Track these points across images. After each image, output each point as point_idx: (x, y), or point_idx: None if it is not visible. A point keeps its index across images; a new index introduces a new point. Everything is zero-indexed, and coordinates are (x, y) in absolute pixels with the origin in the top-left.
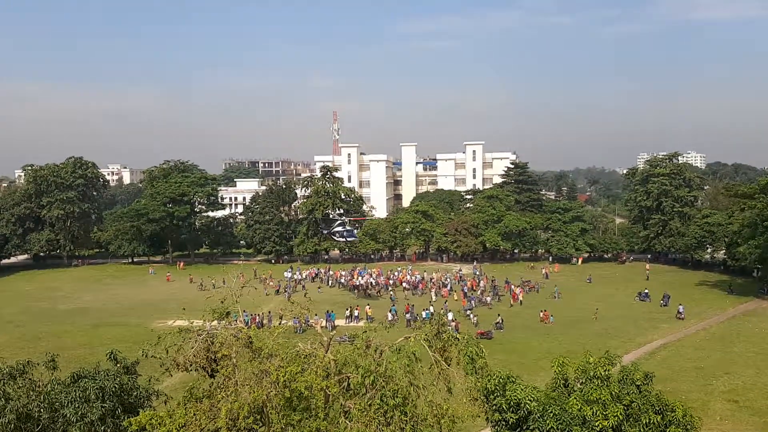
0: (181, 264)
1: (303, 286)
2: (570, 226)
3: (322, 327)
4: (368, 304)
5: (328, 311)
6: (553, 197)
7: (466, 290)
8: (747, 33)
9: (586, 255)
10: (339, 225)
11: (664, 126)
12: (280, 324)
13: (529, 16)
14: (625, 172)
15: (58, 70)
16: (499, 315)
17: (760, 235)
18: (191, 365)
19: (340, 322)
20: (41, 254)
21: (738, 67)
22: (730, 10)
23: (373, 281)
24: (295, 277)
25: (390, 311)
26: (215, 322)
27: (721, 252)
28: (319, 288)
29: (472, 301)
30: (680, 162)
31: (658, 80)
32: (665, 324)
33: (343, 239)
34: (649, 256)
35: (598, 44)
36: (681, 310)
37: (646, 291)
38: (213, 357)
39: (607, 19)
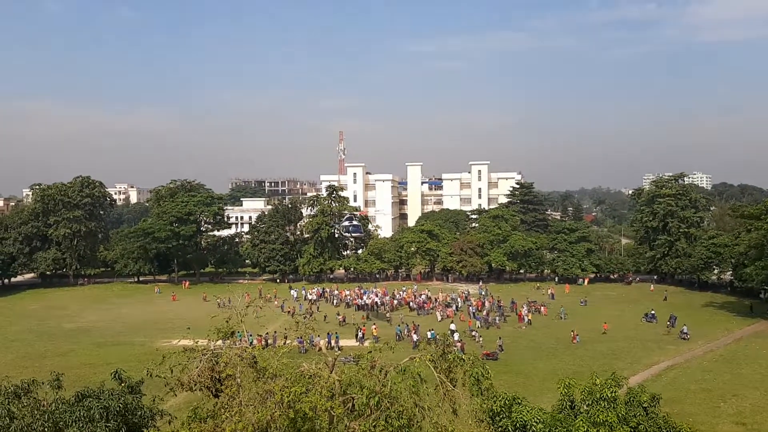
0: (186, 283)
1: (318, 308)
2: (576, 247)
3: (327, 347)
4: (374, 324)
5: (329, 332)
6: (558, 217)
7: (473, 310)
8: (751, 55)
9: (593, 275)
10: (346, 220)
11: (670, 147)
12: (284, 344)
13: (534, 37)
14: (630, 192)
15: (68, 89)
16: (500, 338)
17: (766, 256)
18: (195, 385)
19: (350, 342)
20: (48, 273)
21: (743, 89)
22: (734, 33)
23: (379, 301)
24: (309, 297)
25: (412, 331)
26: (220, 342)
27: (728, 273)
28: (338, 315)
29: (478, 322)
30: (686, 183)
31: (664, 102)
32: (672, 345)
33: (349, 234)
34: (655, 277)
35: (604, 66)
36: (685, 330)
37: (653, 312)
38: (217, 377)
39: (612, 42)
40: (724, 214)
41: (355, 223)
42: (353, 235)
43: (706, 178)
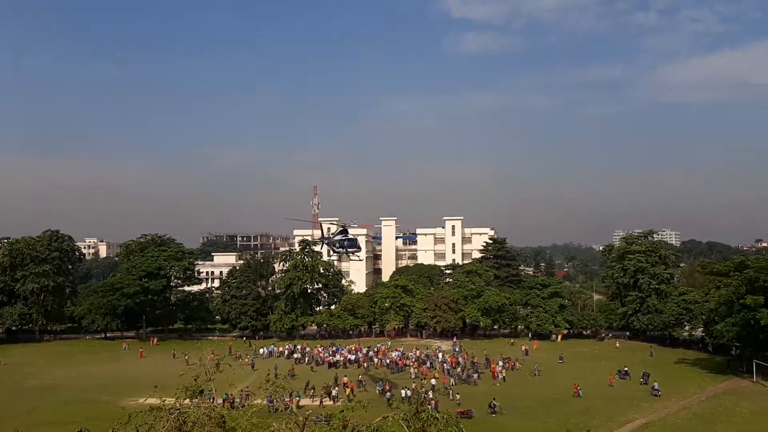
0: (155, 340)
1: (312, 368)
2: (549, 302)
3: (298, 407)
4: (347, 382)
5: (291, 391)
6: (531, 273)
7: (447, 367)
8: (715, 116)
9: (566, 331)
10: (340, 233)
11: (639, 204)
12: (248, 402)
13: (507, 97)
14: (601, 248)
15: (38, 142)
16: (494, 398)
17: (736, 312)
18: None
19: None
20: (13, 328)
21: (709, 149)
22: (702, 95)
23: (353, 357)
24: (296, 356)
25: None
26: (187, 401)
27: (699, 329)
28: (330, 391)
29: (452, 379)
30: (655, 240)
31: (633, 159)
32: (646, 403)
33: (344, 250)
34: (627, 333)
35: (575, 124)
36: (656, 387)
37: (626, 369)
38: None
39: (582, 101)
40: (693, 270)
41: (350, 237)
42: (349, 250)
43: (675, 235)
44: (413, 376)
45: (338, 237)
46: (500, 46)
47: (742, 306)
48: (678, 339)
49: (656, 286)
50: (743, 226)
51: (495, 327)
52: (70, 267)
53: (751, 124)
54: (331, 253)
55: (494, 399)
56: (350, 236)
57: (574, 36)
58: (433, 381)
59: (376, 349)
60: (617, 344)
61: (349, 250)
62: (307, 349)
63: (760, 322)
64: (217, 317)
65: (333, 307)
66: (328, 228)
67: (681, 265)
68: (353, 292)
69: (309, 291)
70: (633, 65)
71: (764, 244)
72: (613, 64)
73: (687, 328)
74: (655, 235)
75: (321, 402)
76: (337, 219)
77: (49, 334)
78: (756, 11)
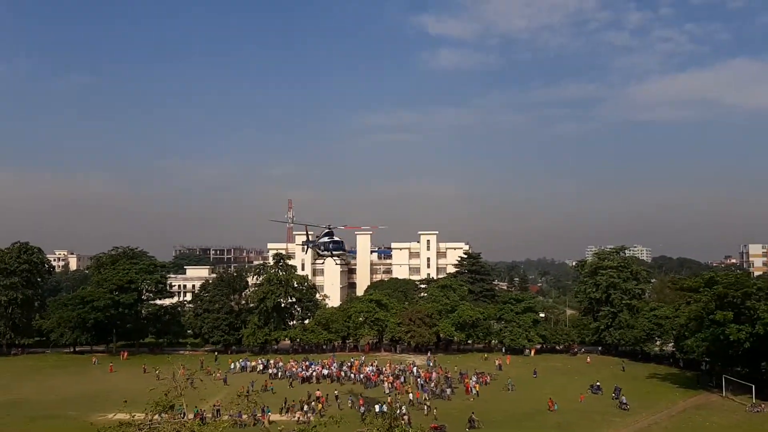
0: (125, 354)
1: (290, 384)
2: (522, 317)
3: (269, 422)
4: (319, 396)
5: (263, 407)
6: (505, 287)
7: (421, 382)
8: (689, 135)
9: (539, 346)
10: (325, 236)
11: (611, 220)
12: (218, 417)
13: (479, 114)
14: (574, 264)
15: (6, 153)
16: (473, 413)
17: (706, 328)
18: None
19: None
20: None
21: (681, 166)
22: (673, 113)
23: (326, 372)
24: (271, 371)
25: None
26: (158, 416)
27: (670, 345)
28: (303, 406)
29: (426, 394)
30: (627, 255)
31: (605, 176)
32: (617, 417)
33: (329, 252)
34: (600, 348)
35: (547, 141)
36: (624, 401)
37: (598, 384)
38: None
39: (554, 119)
40: (664, 286)
41: (336, 239)
42: (334, 252)
43: (646, 251)
44: (387, 391)
45: (324, 240)
46: (474, 63)
47: (711, 321)
48: (649, 354)
49: (628, 302)
50: (713, 242)
51: (469, 342)
52: (39, 280)
53: (721, 143)
54: (317, 256)
55: (473, 413)
56: (336, 239)
57: (548, 54)
58: (410, 396)
59: (350, 364)
60: (588, 359)
61: (334, 252)
62: (280, 363)
63: (729, 338)
64: (189, 331)
65: (307, 321)
66: (305, 240)
67: (652, 280)
68: (327, 306)
69: (282, 305)
70: (605, 83)
71: (733, 261)
72: (587, 82)
73: (658, 343)
74: (626, 251)
75: (300, 417)
76: (312, 231)
77: (17, 348)
78: (724, 32)
